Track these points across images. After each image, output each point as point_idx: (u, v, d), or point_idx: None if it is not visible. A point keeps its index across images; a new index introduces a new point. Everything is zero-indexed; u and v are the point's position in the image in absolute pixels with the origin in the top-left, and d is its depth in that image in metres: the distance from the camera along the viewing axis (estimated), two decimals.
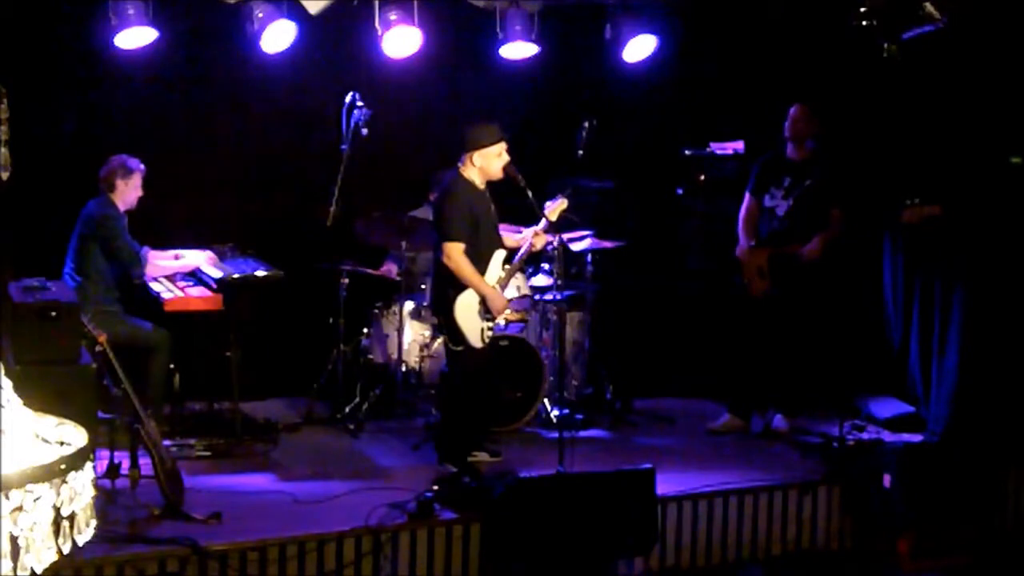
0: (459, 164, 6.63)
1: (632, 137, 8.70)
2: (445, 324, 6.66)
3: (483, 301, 6.58)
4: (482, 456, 6.92)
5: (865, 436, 7.57)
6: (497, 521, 5.93)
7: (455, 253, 6.50)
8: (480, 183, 6.62)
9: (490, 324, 6.65)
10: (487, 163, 6.55)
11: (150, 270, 7.19)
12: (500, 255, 6.71)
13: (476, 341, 6.59)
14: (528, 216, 6.93)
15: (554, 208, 6.85)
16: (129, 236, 7.14)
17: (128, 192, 7.14)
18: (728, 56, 8.57)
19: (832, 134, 7.77)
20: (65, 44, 7.44)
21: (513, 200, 6.79)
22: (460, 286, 6.55)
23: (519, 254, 6.87)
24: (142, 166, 7.17)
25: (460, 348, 6.62)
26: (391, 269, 7.99)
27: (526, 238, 6.92)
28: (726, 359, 8.00)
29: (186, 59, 7.85)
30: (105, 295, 7.08)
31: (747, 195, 7.83)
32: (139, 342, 6.96)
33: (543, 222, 6.81)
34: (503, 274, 6.73)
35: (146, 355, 6.97)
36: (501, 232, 6.86)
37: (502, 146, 6.57)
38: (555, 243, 6.96)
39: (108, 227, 7.06)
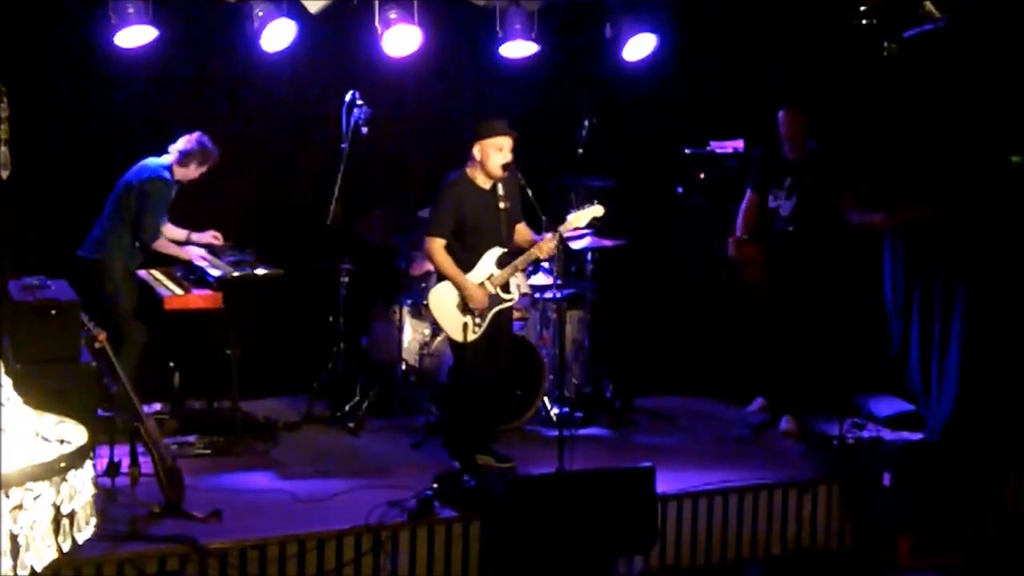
0: (468, 160, 6.61)
1: (632, 136, 8.69)
2: None
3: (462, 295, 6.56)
4: (488, 460, 6.72)
5: (865, 434, 7.55)
6: (497, 520, 5.93)
7: (431, 247, 6.56)
8: (483, 180, 6.57)
9: (477, 320, 6.56)
10: (485, 157, 6.49)
11: (158, 244, 7.24)
12: (494, 252, 6.62)
13: (455, 334, 6.56)
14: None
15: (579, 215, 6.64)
16: (165, 209, 7.23)
17: (192, 173, 7.28)
18: (728, 55, 8.56)
19: (830, 132, 7.77)
20: (65, 43, 7.43)
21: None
22: (439, 278, 6.61)
23: (523, 256, 6.63)
24: (217, 153, 7.28)
25: (451, 340, 6.66)
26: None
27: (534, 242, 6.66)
28: (767, 361, 7.94)
29: (186, 58, 7.85)
30: (135, 252, 7.16)
31: (748, 191, 7.82)
32: (118, 322, 6.89)
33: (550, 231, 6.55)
34: (497, 271, 6.61)
35: (115, 342, 6.44)
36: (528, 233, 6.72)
37: (501, 141, 6.47)
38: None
39: (157, 191, 7.14)
